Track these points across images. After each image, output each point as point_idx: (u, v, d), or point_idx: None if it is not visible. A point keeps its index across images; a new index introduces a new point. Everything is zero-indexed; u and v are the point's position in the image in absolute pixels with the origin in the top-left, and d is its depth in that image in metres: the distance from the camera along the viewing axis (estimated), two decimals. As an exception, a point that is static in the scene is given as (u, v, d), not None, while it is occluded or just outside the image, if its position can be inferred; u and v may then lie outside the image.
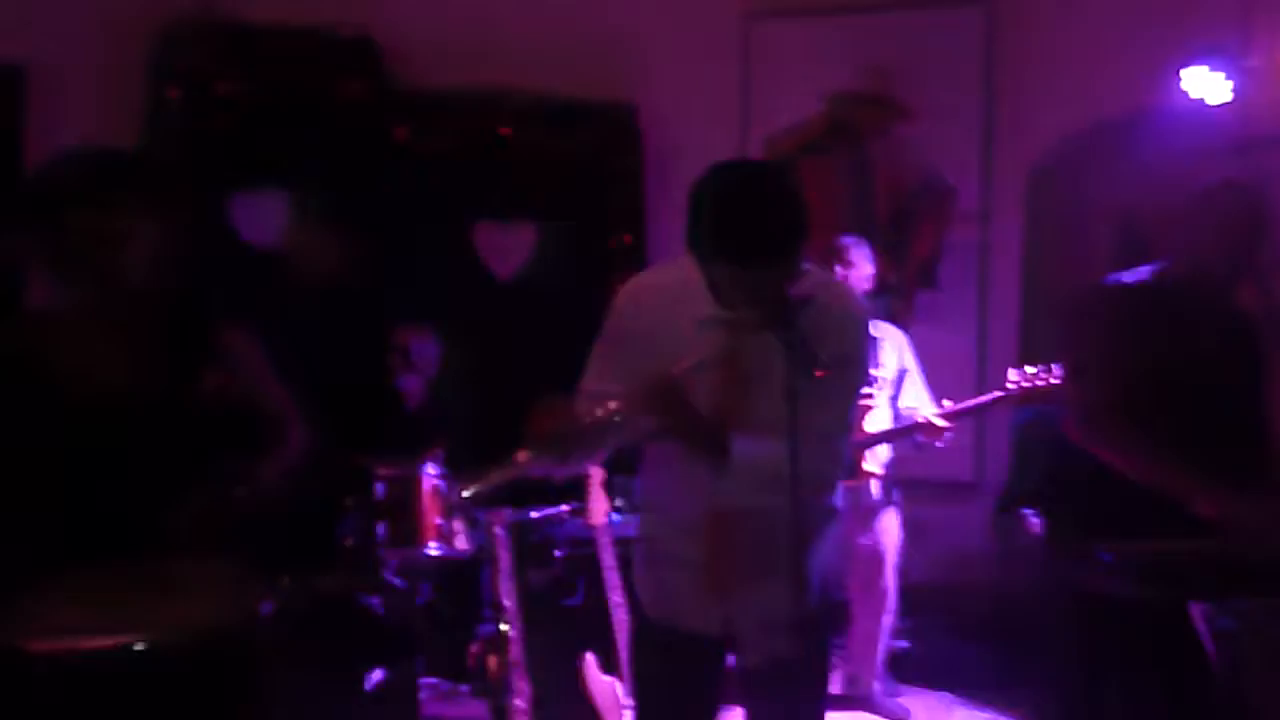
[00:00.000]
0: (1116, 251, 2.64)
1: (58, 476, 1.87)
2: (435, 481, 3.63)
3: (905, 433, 3.73)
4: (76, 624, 1.60)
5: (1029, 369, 3.53)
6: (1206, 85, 3.36)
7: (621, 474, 3.66)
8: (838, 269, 3.71)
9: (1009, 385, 3.56)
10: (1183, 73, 3.42)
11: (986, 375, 4.55)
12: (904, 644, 4.33)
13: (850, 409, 2.08)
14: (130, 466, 1.92)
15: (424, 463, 3.68)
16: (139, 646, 1.55)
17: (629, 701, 3.08)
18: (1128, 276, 2.48)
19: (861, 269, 3.82)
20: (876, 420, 3.74)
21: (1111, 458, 2.35)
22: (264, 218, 4.52)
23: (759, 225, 1.81)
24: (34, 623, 1.60)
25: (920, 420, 3.67)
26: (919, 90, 4.84)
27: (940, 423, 3.62)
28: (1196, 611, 2.13)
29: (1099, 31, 4.33)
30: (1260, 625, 2.50)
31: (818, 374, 1.74)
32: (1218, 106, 3.35)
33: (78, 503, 1.86)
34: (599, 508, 3.27)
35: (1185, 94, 3.45)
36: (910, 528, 4.26)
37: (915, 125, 4.86)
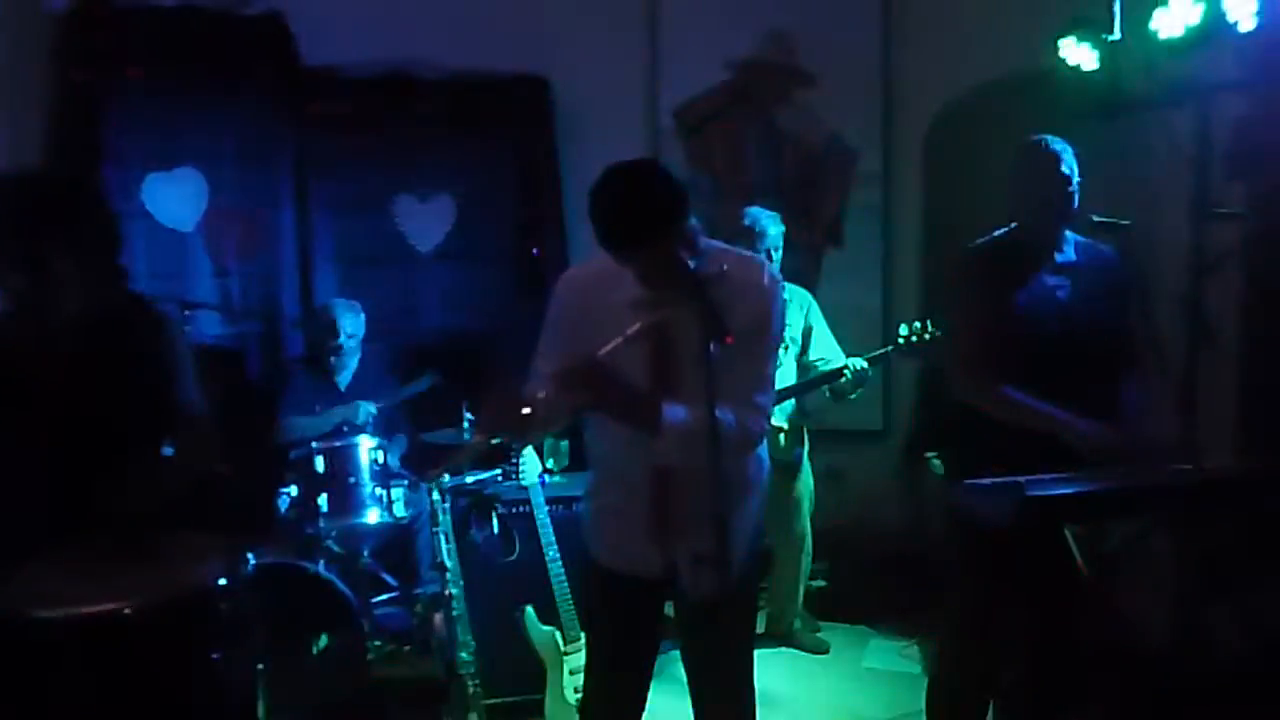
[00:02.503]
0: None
1: (28, 468, 1.99)
2: (372, 452, 3.75)
3: (818, 383, 3.95)
4: (72, 592, 1.74)
5: (917, 324, 3.79)
6: (1078, 53, 3.60)
7: (551, 436, 3.84)
8: (745, 239, 3.90)
9: (899, 340, 3.82)
10: (1059, 41, 3.65)
11: (891, 329, 4.80)
12: (821, 583, 4.61)
13: (768, 371, 2.27)
14: (77, 456, 2.04)
15: (360, 434, 3.81)
16: (126, 610, 1.71)
17: (568, 648, 3.27)
18: (984, 241, 2.76)
19: (769, 236, 4.01)
20: (782, 377, 3.96)
21: (983, 406, 2.63)
22: (182, 200, 4.53)
23: (616, 217, 2.05)
24: (34, 592, 1.74)
25: (839, 369, 3.89)
26: (821, 58, 5.05)
27: (861, 367, 3.84)
28: (1067, 533, 2.39)
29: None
30: (1131, 545, 2.81)
31: (728, 341, 1.93)
32: (1090, 72, 3.59)
33: (50, 490, 1.98)
34: (531, 469, 3.44)
35: (1064, 61, 3.68)
36: (824, 475, 4.52)
37: (818, 91, 5.08)
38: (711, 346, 1.94)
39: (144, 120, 4.40)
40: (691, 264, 2.07)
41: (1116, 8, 3.40)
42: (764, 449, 2.43)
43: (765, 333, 2.22)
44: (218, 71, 4.51)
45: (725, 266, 2.14)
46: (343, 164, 4.79)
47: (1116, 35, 3.40)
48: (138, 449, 2.16)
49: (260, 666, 2.25)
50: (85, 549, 1.88)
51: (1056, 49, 3.69)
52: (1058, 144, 2.69)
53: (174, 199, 4.54)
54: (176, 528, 2.03)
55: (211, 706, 1.85)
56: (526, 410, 2.05)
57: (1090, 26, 3.52)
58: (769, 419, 2.31)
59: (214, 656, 1.84)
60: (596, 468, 2.43)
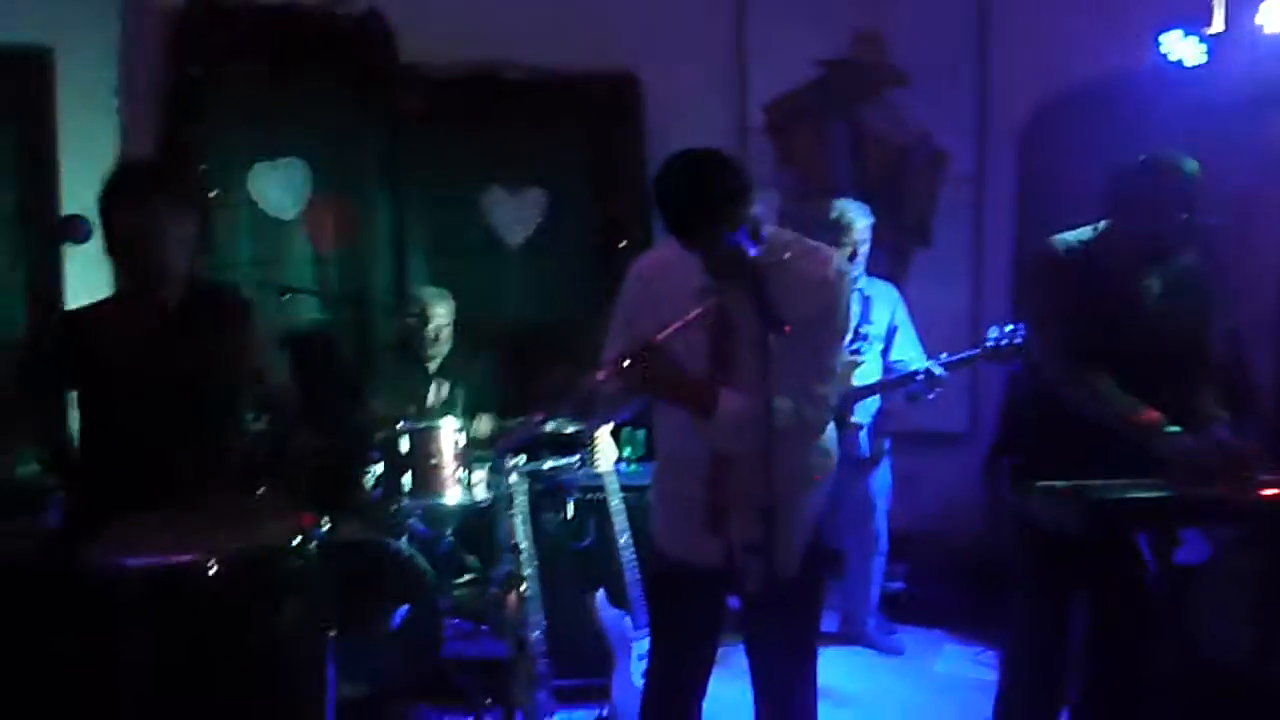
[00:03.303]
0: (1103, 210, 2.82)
1: (121, 433, 2.14)
2: (455, 435, 3.86)
3: (898, 383, 3.92)
4: (161, 545, 1.89)
5: (1008, 326, 3.72)
6: (1182, 49, 3.51)
7: (628, 426, 3.90)
8: (831, 232, 3.89)
9: (987, 342, 3.74)
10: (1161, 36, 3.57)
11: (981, 331, 4.72)
12: (898, 585, 4.57)
13: (828, 361, 2.27)
14: (171, 423, 2.18)
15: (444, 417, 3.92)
16: (210, 563, 1.84)
17: (637, 633, 3.32)
18: (1069, 236, 2.68)
19: (856, 229, 3.98)
20: (866, 374, 3.94)
21: (1075, 397, 2.55)
22: (286, 189, 4.72)
23: (675, 203, 2.10)
24: (128, 545, 1.90)
25: (917, 369, 3.85)
26: (912, 57, 5.00)
27: (938, 371, 3.79)
28: (1141, 542, 2.33)
29: (1083, -3, 4.48)
30: (1216, 557, 2.73)
31: (785, 331, 1.94)
32: (1193, 69, 3.49)
33: (139, 454, 2.11)
34: (606, 456, 3.49)
35: (1164, 56, 3.59)
36: (906, 477, 4.48)
37: (909, 89, 5.03)
38: (770, 335, 1.96)
39: (250, 112, 4.60)
40: (752, 252, 2.09)
41: (1220, 2, 3.29)
42: (831, 443, 2.43)
43: (828, 324, 2.23)
44: (320, 67, 4.69)
45: (788, 255, 2.15)
46: (436, 157, 4.93)
47: (1220, 28, 3.28)
48: (220, 420, 2.29)
49: (333, 633, 2.35)
50: (169, 508, 2.02)
51: (1158, 45, 3.60)
52: (1184, 164, 2.57)
53: (278, 187, 4.74)
54: (256, 491, 2.16)
55: (281, 658, 1.96)
56: (585, 392, 2.10)
57: (1193, 21, 3.42)
58: (830, 410, 2.31)
59: (283, 607, 1.97)
60: (661, 455, 2.47)
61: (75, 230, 1.94)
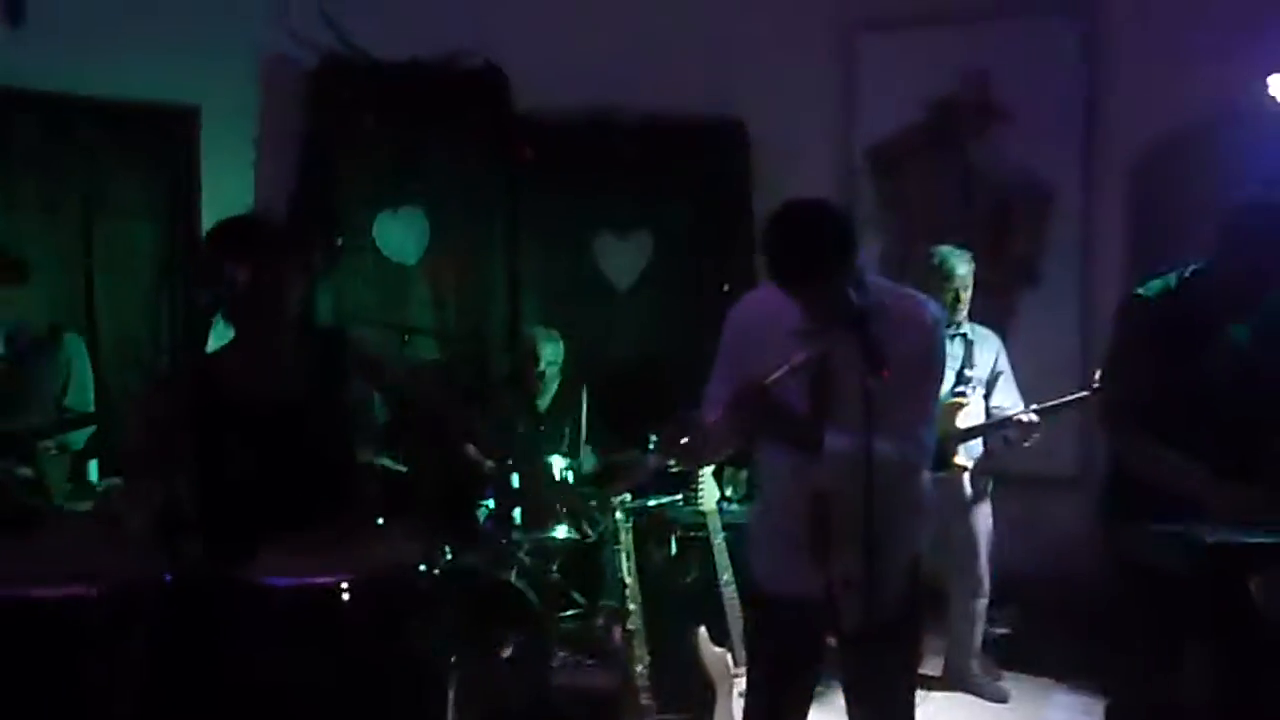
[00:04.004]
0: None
1: (248, 464, 2.33)
2: (564, 472, 4.00)
3: (994, 427, 3.92)
4: (299, 567, 2.08)
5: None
6: (1292, 91, 3.46)
7: (731, 466, 3.98)
8: (933, 278, 3.92)
9: (1094, 385, 3.71)
10: (1270, 79, 3.52)
11: (1089, 373, 4.65)
12: (1005, 630, 4.50)
13: (926, 404, 2.33)
14: (294, 457, 2.35)
15: (553, 454, 4.07)
16: (344, 584, 2.03)
17: (738, 670, 3.38)
18: (1154, 285, 2.66)
19: (957, 276, 4.01)
20: (969, 417, 3.94)
21: (1124, 454, 2.57)
22: (407, 237, 4.98)
23: (786, 254, 2.17)
24: (269, 567, 2.09)
25: (1010, 417, 3.85)
26: (1019, 95, 4.99)
27: (1028, 418, 3.79)
28: (1253, 585, 2.30)
29: (1194, 36, 4.42)
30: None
31: (884, 375, 2.01)
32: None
33: (258, 493, 2.32)
34: (710, 495, 3.58)
35: (1273, 99, 3.55)
36: (1016, 520, 4.43)
37: (1015, 129, 5.02)
38: (869, 379, 2.04)
39: (376, 164, 4.88)
40: (855, 299, 2.17)
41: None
42: (928, 483, 2.47)
43: (925, 368, 2.29)
44: (441, 119, 4.95)
45: (887, 301, 2.23)
46: (549, 202, 5.14)
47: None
48: (335, 455, 2.45)
49: (453, 659, 2.49)
50: (309, 535, 2.21)
51: (1268, 87, 3.56)
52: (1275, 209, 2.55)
53: (400, 235, 4.99)
54: (385, 521, 2.32)
55: (409, 677, 2.12)
56: (699, 434, 2.20)
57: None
58: (929, 451, 2.36)
59: (412, 630, 2.12)
60: (761, 493, 2.55)
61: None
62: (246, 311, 2.34)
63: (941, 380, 2.40)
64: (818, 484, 2.32)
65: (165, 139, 4.73)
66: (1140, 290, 2.69)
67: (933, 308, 2.32)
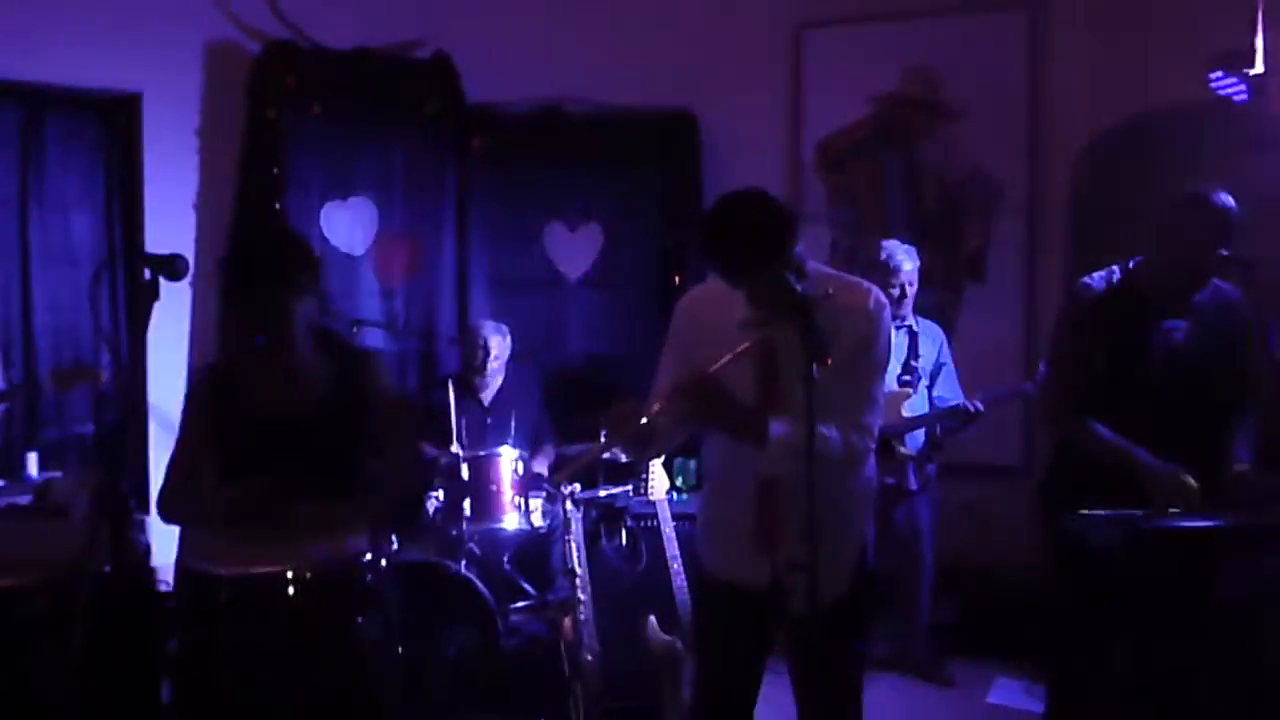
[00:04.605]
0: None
1: (249, 461, 2.38)
2: (513, 464, 3.99)
3: (939, 418, 3.99)
4: (242, 555, 2.08)
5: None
6: (1228, 86, 3.55)
7: (680, 456, 4.00)
8: (879, 273, 3.98)
9: (1037, 378, 3.79)
10: (1212, 74, 3.60)
11: (1033, 365, 4.73)
12: (949, 616, 4.57)
13: (871, 391, 2.36)
14: (295, 456, 2.39)
15: (501, 446, 4.05)
16: (289, 572, 2.03)
17: (687, 657, 3.40)
18: (1099, 278, 2.73)
19: (903, 271, 4.06)
20: (913, 407, 4.00)
21: (1071, 440, 2.65)
22: (355, 227, 4.92)
23: (726, 245, 2.19)
24: (219, 555, 2.10)
25: (956, 405, 3.92)
26: (965, 91, 5.06)
27: (974, 408, 3.86)
28: (1185, 568, 2.37)
29: (1136, 32, 4.52)
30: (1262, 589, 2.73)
31: (828, 363, 2.04)
32: (1240, 106, 3.53)
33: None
34: (659, 485, 3.60)
35: (1213, 94, 3.63)
36: (959, 509, 4.50)
37: (962, 124, 5.09)
38: (814, 368, 2.05)
39: (323, 153, 4.81)
40: (798, 288, 2.19)
41: (1259, 41, 3.33)
42: (872, 469, 2.51)
43: (869, 355, 2.32)
44: (390, 108, 4.89)
45: (831, 290, 2.25)
46: (499, 194, 5.11)
47: (1259, 69, 3.33)
48: (339, 463, 2.49)
49: (400, 650, 2.47)
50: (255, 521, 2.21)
51: (1209, 81, 3.64)
52: (1223, 200, 2.61)
53: (348, 226, 4.93)
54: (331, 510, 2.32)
55: (353, 663, 2.12)
56: (643, 422, 2.21)
57: (1237, 60, 3.46)
58: (873, 438, 2.39)
59: (358, 619, 2.12)
60: (708, 482, 2.57)
61: (173, 268, 2.08)
62: (264, 329, 2.42)
63: (885, 367, 2.43)
64: (763, 472, 2.35)
65: (105, 127, 4.63)
66: (1085, 280, 2.76)
67: (876, 295, 2.35)
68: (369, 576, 2.13)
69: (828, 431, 2.19)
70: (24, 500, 3.49)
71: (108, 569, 2.10)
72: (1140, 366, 2.61)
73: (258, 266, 2.41)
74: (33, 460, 3.96)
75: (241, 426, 2.44)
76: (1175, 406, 2.57)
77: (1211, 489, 2.53)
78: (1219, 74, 3.55)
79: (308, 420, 2.42)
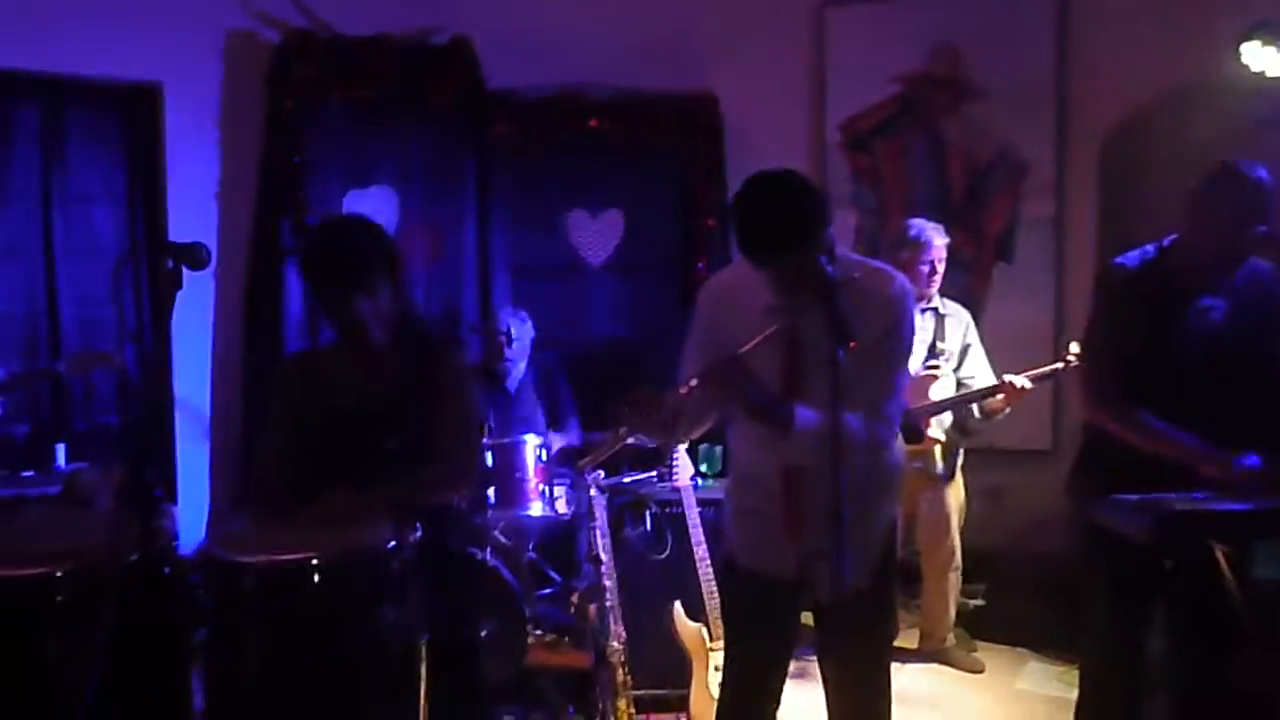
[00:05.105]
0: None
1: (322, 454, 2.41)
2: (537, 450, 3.98)
3: (973, 398, 3.94)
4: (272, 543, 2.09)
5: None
6: (1263, 58, 3.47)
7: (705, 442, 3.97)
8: (904, 251, 3.92)
9: (1068, 357, 3.74)
10: (1242, 46, 3.53)
11: (1063, 346, 4.68)
12: (979, 602, 4.54)
13: (894, 379, 2.32)
14: (366, 450, 2.41)
15: (526, 434, 4.04)
16: (314, 560, 2.04)
17: (714, 645, 3.38)
18: (1133, 257, 2.67)
19: (934, 246, 4.01)
20: (941, 390, 3.95)
21: (1112, 429, 2.58)
22: (377, 215, 4.90)
23: (757, 225, 2.15)
24: (243, 543, 2.11)
25: (992, 384, 3.87)
26: (990, 69, 4.98)
27: (1021, 381, 3.79)
28: (1219, 553, 2.32)
29: (1164, 5, 4.43)
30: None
31: (852, 346, 2.00)
32: (1273, 79, 3.45)
33: (322, 470, 2.37)
34: (684, 472, 3.58)
35: (1246, 66, 3.55)
36: (989, 494, 4.46)
37: (987, 103, 5.02)
38: (840, 352, 2.02)
39: (344, 142, 4.81)
40: (829, 270, 2.15)
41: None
42: (897, 455, 2.47)
43: (894, 341, 2.28)
44: (410, 95, 4.87)
45: (856, 275, 2.22)
46: (520, 180, 5.10)
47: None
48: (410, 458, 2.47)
49: (425, 638, 2.47)
50: (282, 511, 2.24)
51: (1238, 55, 3.56)
52: (1259, 174, 2.54)
53: (369, 213, 4.90)
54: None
55: (377, 651, 2.12)
56: (668, 406, 2.19)
57: (1272, 30, 3.38)
58: (895, 425, 2.35)
59: (381, 609, 2.12)
60: (734, 470, 2.54)
61: (196, 257, 2.07)
62: (336, 325, 2.43)
63: (909, 354, 2.40)
64: (788, 458, 2.32)
65: (126, 117, 4.64)
66: (1117, 260, 2.69)
67: (901, 281, 2.31)
68: (394, 564, 2.12)
69: (851, 419, 2.15)
70: (53, 491, 3.52)
71: (134, 558, 2.10)
72: (1177, 347, 2.55)
73: (326, 266, 2.40)
74: (61, 451, 3.99)
75: (316, 418, 2.44)
76: (1214, 388, 2.50)
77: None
78: (1252, 45, 3.47)
79: (379, 414, 2.41)
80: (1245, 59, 3.52)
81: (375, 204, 4.91)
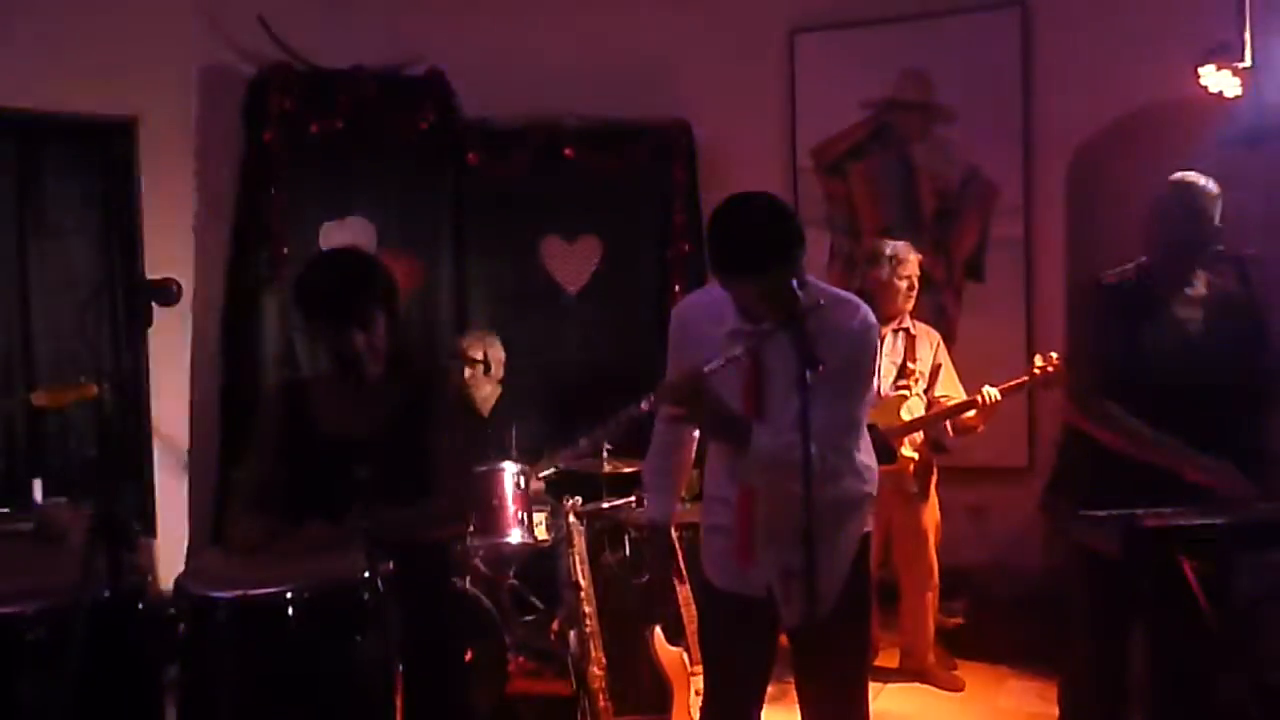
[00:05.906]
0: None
1: (307, 479, 2.40)
2: (516, 477, 3.98)
3: (946, 414, 3.98)
4: (245, 577, 2.08)
5: (1053, 355, 3.76)
6: (1219, 81, 3.54)
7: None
8: (882, 269, 3.97)
9: (1034, 370, 3.80)
10: (1200, 69, 3.60)
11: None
12: (957, 620, 4.55)
13: (852, 413, 2.35)
14: (339, 480, 2.37)
15: (502, 460, 4.04)
16: (288, 593, 2.04)
17: (694, 669, 3.38)
18: (1113, 274, 2.74)
19: (909, 263, 4.06)
20: (911, 409, 3.99)
21: (1101, 435, 2.62)
22: (353, 242, 4.92)
23: (733, 244, 2.18)
24: (216, 577, 2.11)
25: (966, 399, 3.91)
26: (959, 92, 5.06)
27: (992, 394, 3.83)
28: (1187, 566, 2.35)
29: (1127, 28, 4.52)
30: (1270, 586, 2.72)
31: (820, 370, 2.02)
32: (1232, 100, 3.52)
33: (314, 497, 2.36)
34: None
35: (1204, 89, 3.63)
36: (966, 512, 4.49)
37: (956, 126, 5.09)
38: (807, 375, 2.04)
39: (321, 173, 4.83)
40: (800, 294, 2.17)
41: (1247, 35, 3.33)
42: (869, 482, 2.47)
43: (856, 373, 2.31)
44: (386, 126, 4.91)
45: (823, 303, 2.23)
46: (496, 208, 5.13)
47: (1248, 62, 3.32)
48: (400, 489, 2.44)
49: (401, 669, 2.47)
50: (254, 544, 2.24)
51: (1198, 77, 3.64)
52: (1205, 183, 2.66)
53: (346, 244, 4.93)
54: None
55: (352, 685, 2.11)
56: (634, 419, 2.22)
57: (1226, 54, 3.46)
58: (852, 459, 2.38)
59: (356, 639, 2.11)
60: (706, 490, 2.56)
61: (167, 294, 2.07)
62: (329, 356, 2.41)
63: (868, 388, 2.43)
64: (746, 480, 2.35)
65: (102, 152, 4.65)
66: (1100, 276, 2.77)
67: (865, 314, 2.33)
68: (367, 595, 2.12)
69: (812, 447, 2.17)
70: (27, 527, 3.49)
71: (106, 595, 2.09)
72: (1156, 359, 2.61)
73: (322, 298, 2.39)
74: (37, 486, 3.97)
75: (301, 447, 2.43)
76: (1192, 399, 2.56)
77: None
78: (1209, 68, 3.54)
79: (365, 445, 2.39)
80: (1204, 81, 3.59)
81: (352, 234, 4.93)
